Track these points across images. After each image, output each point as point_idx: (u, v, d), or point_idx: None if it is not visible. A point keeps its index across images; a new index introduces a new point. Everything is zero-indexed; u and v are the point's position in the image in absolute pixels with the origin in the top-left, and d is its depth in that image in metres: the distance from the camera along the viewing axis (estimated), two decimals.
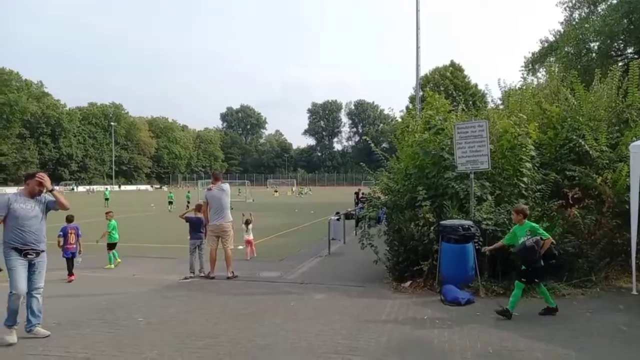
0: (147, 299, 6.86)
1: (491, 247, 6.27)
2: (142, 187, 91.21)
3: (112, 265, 9.91)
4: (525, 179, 7.63)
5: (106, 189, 46.38)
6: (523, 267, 5.67)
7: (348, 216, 16.13)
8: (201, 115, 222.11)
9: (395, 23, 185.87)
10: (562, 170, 8.08)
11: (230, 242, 8.49)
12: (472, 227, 6.69)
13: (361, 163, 13.09)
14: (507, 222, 6.86)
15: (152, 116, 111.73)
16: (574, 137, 8.03)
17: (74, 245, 8.71)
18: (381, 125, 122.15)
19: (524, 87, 10.83)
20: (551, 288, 6.53)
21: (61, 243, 8.58)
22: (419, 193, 7.49)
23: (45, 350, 4.65)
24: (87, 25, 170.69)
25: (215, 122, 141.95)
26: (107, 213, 10.68)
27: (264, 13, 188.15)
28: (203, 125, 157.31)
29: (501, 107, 11.28)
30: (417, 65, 22.98)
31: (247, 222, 11.21)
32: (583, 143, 7.80)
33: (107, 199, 34.63)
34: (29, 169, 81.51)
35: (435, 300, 6.40)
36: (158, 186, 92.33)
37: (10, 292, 4.89)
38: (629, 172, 6.97)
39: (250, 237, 11.10)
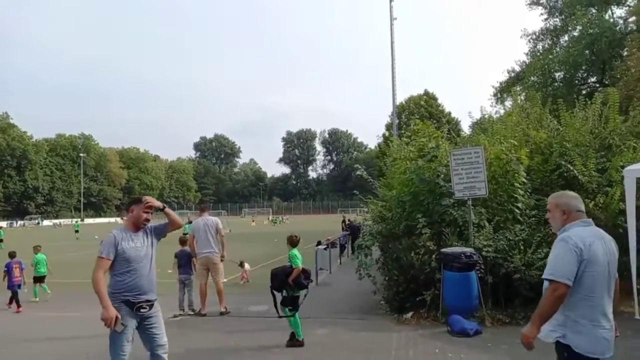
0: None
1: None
2: (113, 219, 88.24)
3: (37, 299, 10.22)
4: (519, 205, 7.66)
5: (76, 221, 45.42)
6: (284, 294, 5.82)
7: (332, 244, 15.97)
8: (174, 145, 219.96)
9: (370, 52, 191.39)
10: None
11: (220, 275, 8.13)
12: (474, 254, 6.60)
13: (355, 191, 12.99)
14: (507, 248, 6.83)
15: (123, 146, 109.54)
16: (563, 162, 8.17)
17: (19, 278, 9.63)
18: (355, 153, 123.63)
19: (509, 114, 11.03)
20: None
21: (5, 278, 9.45)
22: (418, 221, 7.39)
23: None
24: (58, 54, 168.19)
25: (188, 152, 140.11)
26: (34, 247, 10.81)
27: (241, 43, 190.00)
28: (176, 155, 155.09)
29: (481, 135, 11.40)
30: (394, 94, 23.56)
31: (241, 264, 12.21)
32: (572, 168, 7.93)
33: (77, 231, 33.35)
34: None
35: (442, 331, 6.22)
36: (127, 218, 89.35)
37: None
38: (620, 196, 7.09)
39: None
